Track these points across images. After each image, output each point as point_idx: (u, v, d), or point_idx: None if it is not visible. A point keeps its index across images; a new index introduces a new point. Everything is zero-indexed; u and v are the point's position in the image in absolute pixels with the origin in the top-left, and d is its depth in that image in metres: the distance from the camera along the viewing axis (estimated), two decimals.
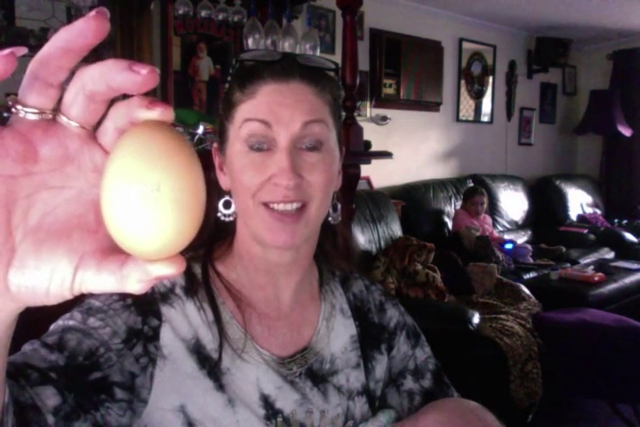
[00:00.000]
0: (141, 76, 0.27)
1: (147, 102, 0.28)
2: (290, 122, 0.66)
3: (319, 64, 0.72)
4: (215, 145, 0.76)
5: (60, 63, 0.28)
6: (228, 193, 0.74)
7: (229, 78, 0.72)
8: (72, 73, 0.29)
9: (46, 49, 0.28)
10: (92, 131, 0.31)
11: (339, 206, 0.76)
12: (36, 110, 0.29)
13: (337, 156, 0.73)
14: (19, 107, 0.29)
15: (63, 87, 0.29)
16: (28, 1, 2.17)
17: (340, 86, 0.75)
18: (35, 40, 2.17)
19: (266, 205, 0.68)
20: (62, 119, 0.30)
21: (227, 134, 0.72)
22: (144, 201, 0.27)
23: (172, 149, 0.28)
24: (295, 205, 0.67)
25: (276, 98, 0.67)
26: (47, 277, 0.29)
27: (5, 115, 0.30)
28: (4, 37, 2.10)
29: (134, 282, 0.29)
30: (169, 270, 0.29)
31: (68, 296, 0.30)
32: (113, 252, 0.30)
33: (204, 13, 2.34)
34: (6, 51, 0.27)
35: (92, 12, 0.27)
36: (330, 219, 0.75)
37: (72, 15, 2.25)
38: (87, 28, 0.27)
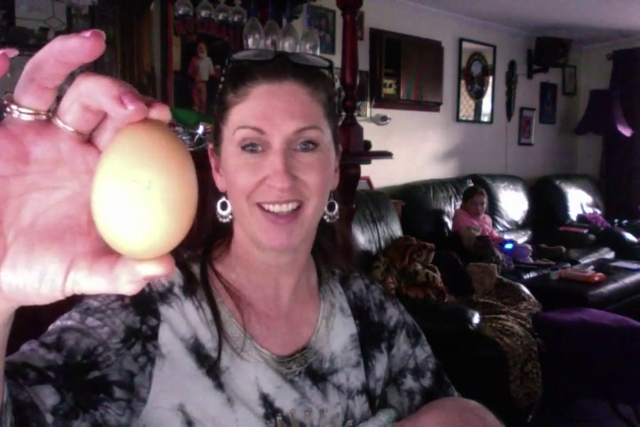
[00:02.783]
0: (128, 111, 0.27)
1: (144, 102, 0.28)
2: (283, 126, 0.66)
3: (312, 62, 0.71)
4: (210, 146, 0.76)
5: (54, 70, 0.28)
6: (225, 194, 0.73)
7: (222, 79, 0.72)
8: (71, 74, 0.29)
9: (41, 54, 0.28)
10: (87, 134, 0.31)
11: (336, 205, 0.76)
12: (30, 111, 0.29)
13: (332, 155, 0.73)
14: (13, 106, 0.29)
15: (63, 87, 0.29)
16: (28, 1, 2.17)
17: (334, 84, 0.75)
18: (35, 40, 2.17)
19: (260, 206, 0.67)
20: (58, 123, 0.29)
21: (221, 136, 0.71)
22: (134, 199, 0.27)
23: (165, 148, 0.28)
24: (291, 206, 0.67)
25: (268, 100, 0.67)
26: (38, 278, 0.29)
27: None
28: (4, 37, 2.10)
29: (124, 283, 0.29)
30: (158, 270, 0.29)
31: (60, 297, 0.30)
32: (105, 254, 0.30)
33: (204, 13, 2.34)
34: None
35: (88, 33, 0.27)
36: (325, 217, 0.75)
37: (72, 15, 2.25)
38: (80, 48, 0.27)
